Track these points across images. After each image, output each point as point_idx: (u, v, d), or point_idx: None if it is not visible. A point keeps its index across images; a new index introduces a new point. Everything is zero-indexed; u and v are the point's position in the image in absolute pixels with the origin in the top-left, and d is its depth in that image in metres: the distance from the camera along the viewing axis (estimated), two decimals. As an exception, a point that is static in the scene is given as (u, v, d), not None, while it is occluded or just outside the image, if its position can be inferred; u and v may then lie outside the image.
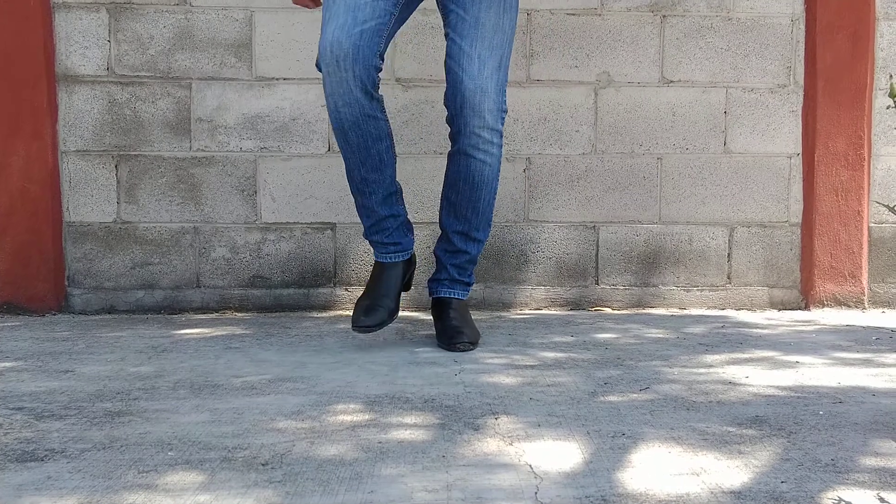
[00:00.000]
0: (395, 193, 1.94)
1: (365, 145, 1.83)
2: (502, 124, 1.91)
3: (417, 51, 2.49)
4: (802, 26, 2.59)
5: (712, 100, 2.59)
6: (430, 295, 2.04)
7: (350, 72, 1.75)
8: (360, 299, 1.93)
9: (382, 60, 1.81)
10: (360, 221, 2.34)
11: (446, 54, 1.88)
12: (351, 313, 2.50)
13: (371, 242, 1.97)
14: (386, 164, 1.88)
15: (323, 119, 2.54)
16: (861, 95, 2.56)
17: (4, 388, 1.57)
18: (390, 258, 1.95)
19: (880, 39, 2.60)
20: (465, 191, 1.93)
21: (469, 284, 2.03)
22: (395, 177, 1.92)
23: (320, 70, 1.80)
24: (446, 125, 1.93)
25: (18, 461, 1.16)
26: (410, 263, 2.02)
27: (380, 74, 1.81)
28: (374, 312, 1.89)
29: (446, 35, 1.89)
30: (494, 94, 1.86)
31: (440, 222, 2.00)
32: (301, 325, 2.28)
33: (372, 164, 1.86)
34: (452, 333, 1.92)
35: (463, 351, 1.89)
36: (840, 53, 2.54)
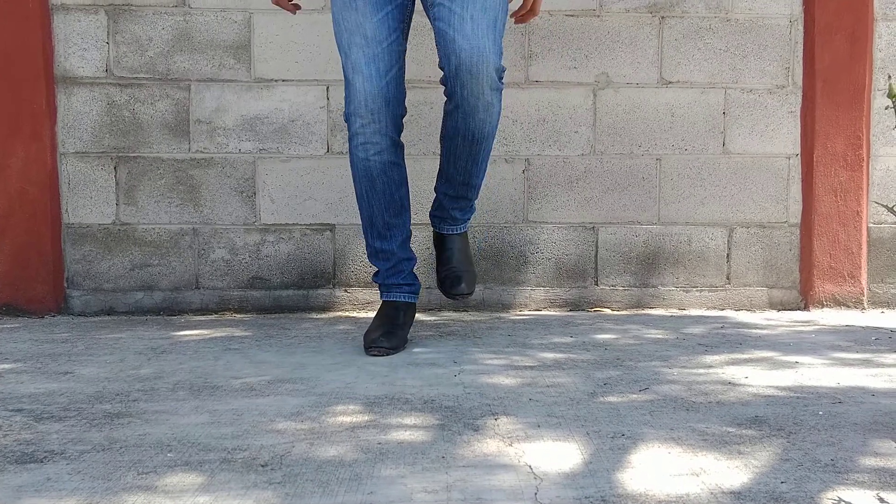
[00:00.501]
0: (410, 237, 2.01)
1: (390, 191, 1.91)
2: (503, 81, 1.81)
3: (416, 52, 2.49)
4: (801, 27, 2.59)
5: (711, 100, 2.59)
6: (433, 227, 2.04)
7: (383, 123, 1.85)
8: (370, 330, 1.93)
9: (405, 107, 1.89)
10: (358, 222, 2.34)
11: (435, 19, 1.79)
12: (351, 313, 2.50)
13: (384, 286, 2.00)
14: (406, 208, 1.96)
15: (321, 121, 2.54)
16: (860, 96, 2.56)
17: (4, 390, 1.57)
18: (403, 297, 1.98)
19: (878, 40, 2.60)
20: (465, 146, 1.88)
21: (469, 218, 2.04)
22: (410, 221, 1.99)
23: (349, 123, 1.87)
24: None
25: (18, 463, 1.16)
26: (414, 311, 2.02)
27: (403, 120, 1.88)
28: (392, 336, 1.90)
29: (432, 4, 1.81)
30: (493, 53, 1.74)
31: (441, 164, 1.96)
32: (300, 327, 2.28)
33: (395, 209, 1.94)
34: (453, 281, 1.95)
35: (461, 299, 1.97)
36: (838, 54, 2.55)
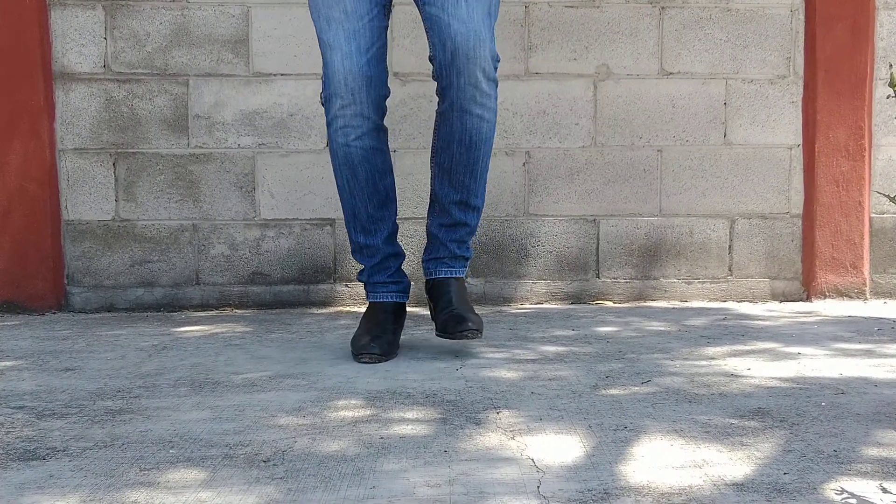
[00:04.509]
0: (396, 232, 1.87)
1: (373, 181, 1.77)
2: (496, 72, 1.71)
3: (414, 45, 2.49)
4: (802, 17, 2.58)
5: (712, 91, 2.58)
6: (427, 276, 1.86)
7: (364, 104, 1.71)
8: (357, 336, 1.80)
9: (388, 87, 1.77)
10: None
11: (425, 3, 1.69)
12: (352, 308, 2.50)
13: (368, 284, 1.85)
14: (391, 199, 1.83)
15: (321, 115, 2.52)
16: (861, 85, 2.55)
17: (5, 388, 1.57)
18: (391, 297, 1.84)
19: (880, 29, 2.59)
20: (461, 153, 1.74)
21: (467, 259, 1.86)
22: (396, 214, 1.86)
23: (327, 105, 1.74)
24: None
25: (20, 460, 1.16)
26: (404, 313, 1.88)
27: (386, 102, 1.77)
28: (382, 341, 1.76)
29: None
30: (489, 40, 1.66)
31: (433, 192, 1.82)
32: (301, 322, 2.28)
33: (379, 200, 1.80)
34: (458, 320, 1.74)
35: (470, 339, 1.73)
36: (840, 43, 2.53)
